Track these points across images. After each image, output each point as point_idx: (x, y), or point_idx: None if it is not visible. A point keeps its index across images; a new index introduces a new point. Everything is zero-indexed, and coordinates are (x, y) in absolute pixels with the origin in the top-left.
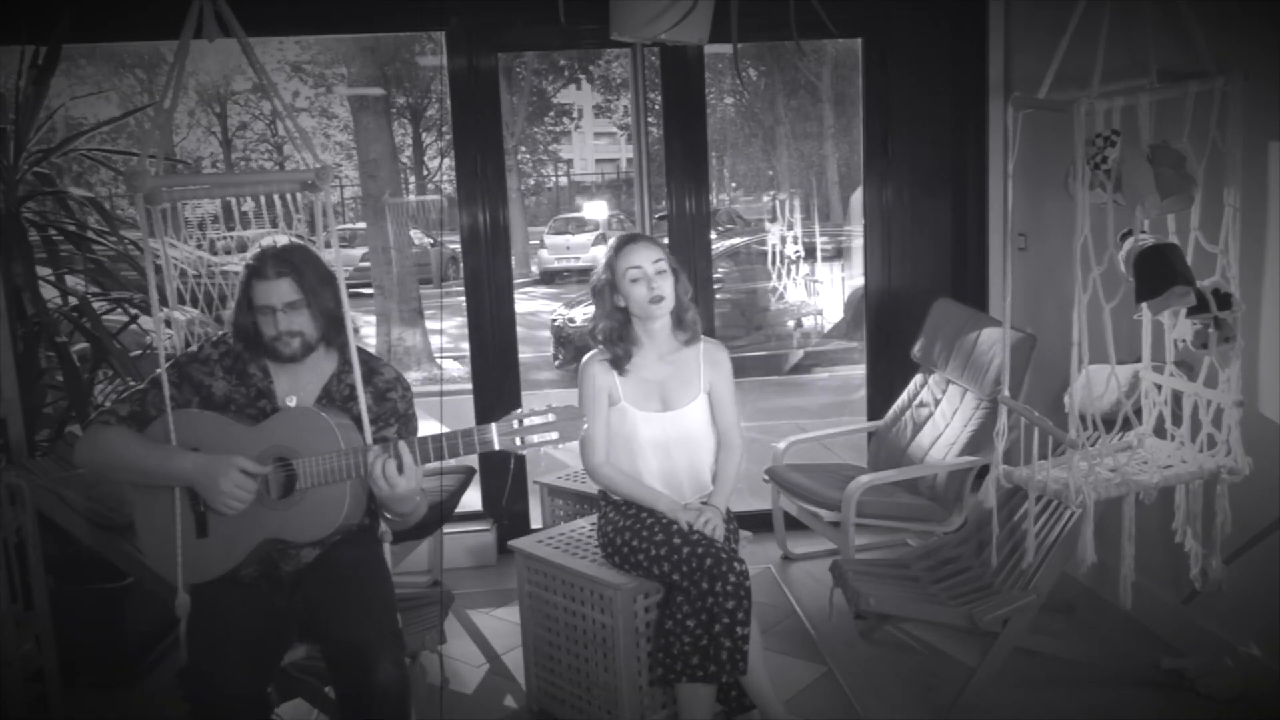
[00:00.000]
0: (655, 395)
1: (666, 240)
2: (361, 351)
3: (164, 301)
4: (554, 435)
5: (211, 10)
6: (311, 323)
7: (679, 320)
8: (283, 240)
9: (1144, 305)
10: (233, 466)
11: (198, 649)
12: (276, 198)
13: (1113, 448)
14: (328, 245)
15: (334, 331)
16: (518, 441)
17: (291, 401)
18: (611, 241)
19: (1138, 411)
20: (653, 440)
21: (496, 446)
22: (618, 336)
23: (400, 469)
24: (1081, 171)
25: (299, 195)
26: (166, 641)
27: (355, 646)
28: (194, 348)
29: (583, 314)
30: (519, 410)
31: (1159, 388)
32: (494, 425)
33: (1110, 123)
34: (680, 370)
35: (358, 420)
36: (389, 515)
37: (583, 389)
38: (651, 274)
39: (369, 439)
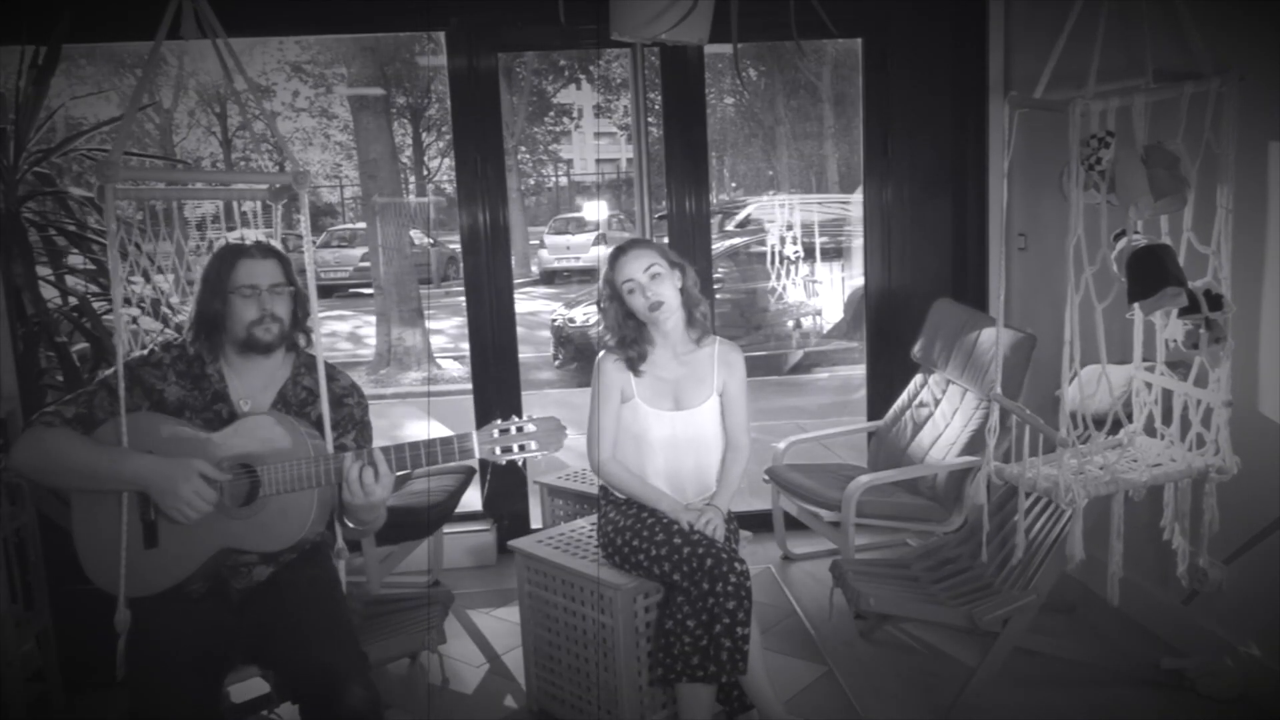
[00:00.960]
0: (669, 394)
1: (666, 239)
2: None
3: (127, 301)
4: (534, 446)
5: (191, 9)
6: (288, 313)
7: (690, 317)
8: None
9: (1136, 305)
10: (194, 470)
11: (139, 667)
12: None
13: (1103, 446)
14: (284, 238)
15: (292, 332)
16: (497, 451)
17: (246, 405)
18: (606, 254)
19: (1129, 412)
20: (663, 439)
21: (477, 455)
22: (632, 340)
23: (376, 476)
24: (1076, 172)
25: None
26: None
27: (322, 671)
28: (144, 351)
29: (582, 314)
30: (498, 421)
31: (1149, 387)
32: (474, 434)
33: (1105, 123)
34: (694, 370)
35: (316, 424)
36: (351, 524)
37: (596, 383)
38: (645, 282)
39: (330, 442)
